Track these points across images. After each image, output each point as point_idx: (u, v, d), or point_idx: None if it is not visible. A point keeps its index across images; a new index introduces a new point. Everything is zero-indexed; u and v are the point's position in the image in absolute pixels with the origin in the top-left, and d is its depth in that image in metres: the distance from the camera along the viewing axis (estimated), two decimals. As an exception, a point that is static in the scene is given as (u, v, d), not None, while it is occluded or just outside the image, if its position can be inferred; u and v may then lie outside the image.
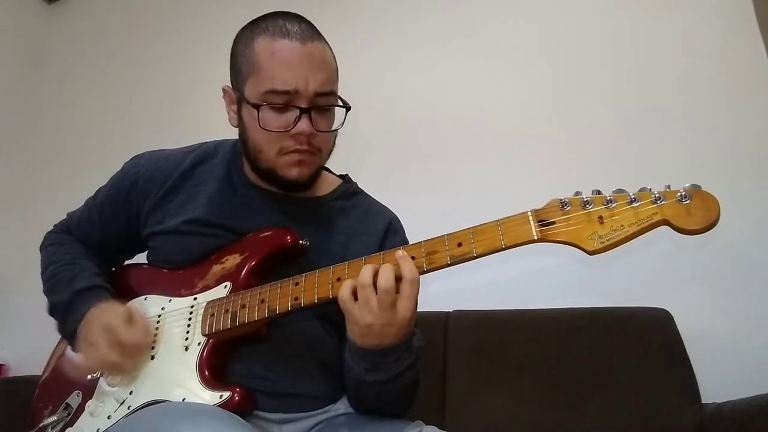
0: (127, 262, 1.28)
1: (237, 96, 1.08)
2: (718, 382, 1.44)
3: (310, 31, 1.03)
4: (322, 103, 1.04)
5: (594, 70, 1.96)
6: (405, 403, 1.06)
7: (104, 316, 1.04)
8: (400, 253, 0.91)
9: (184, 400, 0.96)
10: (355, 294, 0.89)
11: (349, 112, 1.09)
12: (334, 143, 1.13)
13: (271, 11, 1.07)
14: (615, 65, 1.94)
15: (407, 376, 0.98)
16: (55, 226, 1.30)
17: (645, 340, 1.48)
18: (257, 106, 1.02)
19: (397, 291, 0.88)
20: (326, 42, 1.07)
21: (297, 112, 1.01)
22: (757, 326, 1.56)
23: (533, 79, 2.05)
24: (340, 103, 1.08)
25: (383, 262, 0.91)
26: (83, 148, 2.72)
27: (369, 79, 2.26)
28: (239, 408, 0.94)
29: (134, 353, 1.02)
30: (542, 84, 2.03)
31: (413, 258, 0.90)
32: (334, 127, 1.08)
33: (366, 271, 0.89)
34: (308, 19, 1.07)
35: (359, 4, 2.43)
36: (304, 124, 1.01)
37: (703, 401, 1.39)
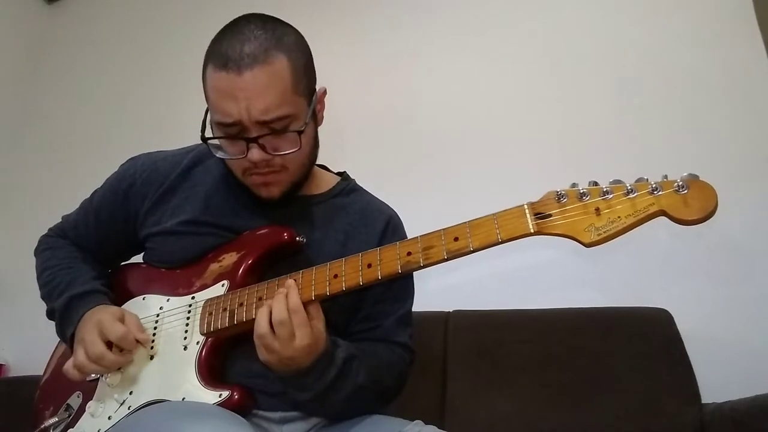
0: (123, 263, 1.28)
1: (204, 119, 1.06)
2: (718, 382, 1.43)
3: (253, 53, 0.96)
4: (276, 127, 0.99)
5: (593, 68, 1.96)
6: (364, 406, 1.05)
7: (96, 315, 1.05)
8: (289, 282, 0.94)
9: (183, 399, 0.97)
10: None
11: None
12: (311, 155, 1.10)
13: (236, 17, 1.03)
14: (615, 63, 1.94)
15: (342, 387, 0.97)
16: (49, 229, 1.30)
17: (645, 340, 1.48)
18: (204, 140, 1.03)
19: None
20: (282, 53, 0.98)
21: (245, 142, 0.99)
22: (757, 326, 1.56)
23: (532, 76, 2.05)
24: (295, 128, 1.00)
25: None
26: (83, 148, 2.72)
27: (369, 78, 2.26)
28: (239, 407, 0.94)
29: (123, 346, 1.02)
30: (541, 80, 2.03)
31: (409, 254, 0.90)
32: (292, 150, 1.01)
33: (262, 320, 0.92)
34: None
35: (361, 4, 2.44)
36: (254, 154, 0.99)
37: (703, 401, 1.39)
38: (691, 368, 1.42)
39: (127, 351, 1.03)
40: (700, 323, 1.57)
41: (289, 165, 1.04)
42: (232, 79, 0.95)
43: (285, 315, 0.90)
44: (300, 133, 1.00)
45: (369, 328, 1.13)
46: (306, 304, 0.93)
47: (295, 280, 0.96)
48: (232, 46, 0.97)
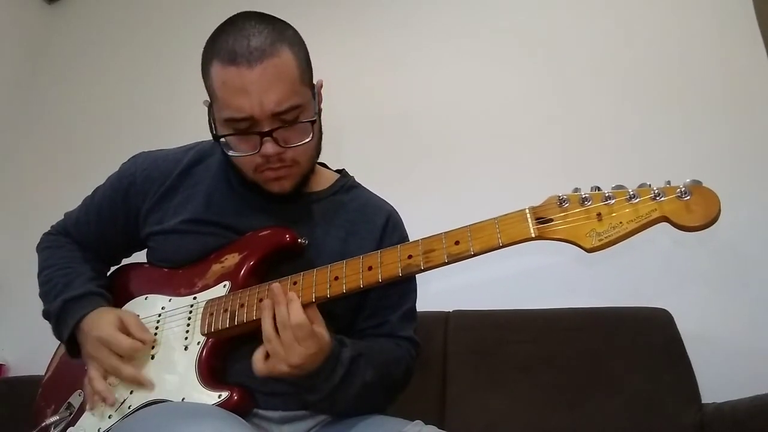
0: (126, 262, 1.28)
1: (210, 118, 1.05)
2: (718, 382, 1.44)
3: (261, 47, 0.96)
4: (288, 118, 0.99)
5: (594, 69, 1.96)
6: (373, 402, 1.06)
7: (95, 329, 1.05)
8: (291, 296, 0.93)
9: (183, 399, 0.97)
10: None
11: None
12: (318, 147, 1.10)
13: (232, 15, 1.03)
14: (615, 64, 1.94)
15: (350, 385, 0.98)
16: (52, 227, 1.30)
17: (645, 340, 1.48)
18: (217, 138, 1.02)
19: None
20: (286, 46, 0.99)
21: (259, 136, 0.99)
22: (757, 326, 1.56)
23: (533, 78, 2.05)
24: (305, 118, 1.01)
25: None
26: (83, 147, 2.72)
27: (370, 78, 2.26)
28: (238, 407, 0.94)
29: (133, 355, 1.03)
30: (542, 82, 2.03)
31: (410, 256, 0.90)
32: (304, 141, 1.01)
33: (267, 325, 0.92)
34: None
35: (363, 4, 2.44)
36: (268, 148, 0.99)
37: (703, 401, 1.39)
38: (691, 368, 1.42)
39: (136, 356, 1.05)
40: (700, 323, 1.57)
41: (299, 158, 1.05)
42: (243, 73, 0.95)
43: (287, 323, 0.90)
44: (312, 122, 1.01)
45: (376, 324, 1.13)
46: (304, 307, 0.93)
47: (295, 283, 0.96)
48: (238, 41, 0.96)
